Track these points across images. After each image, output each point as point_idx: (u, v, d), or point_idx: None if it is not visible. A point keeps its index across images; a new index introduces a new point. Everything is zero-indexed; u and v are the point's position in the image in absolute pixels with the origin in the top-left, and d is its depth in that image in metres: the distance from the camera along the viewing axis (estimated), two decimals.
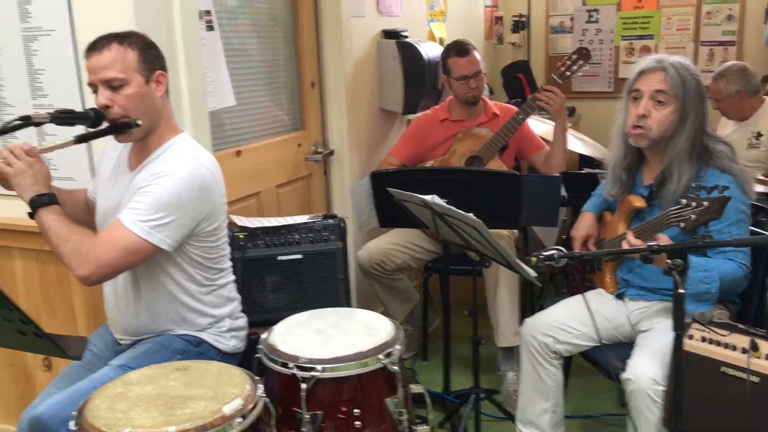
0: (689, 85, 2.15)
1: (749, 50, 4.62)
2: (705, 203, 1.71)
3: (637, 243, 1.91)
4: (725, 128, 3.79)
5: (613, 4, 5.20)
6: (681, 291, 1.65)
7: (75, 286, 2.40)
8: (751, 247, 2.18)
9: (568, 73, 3.04)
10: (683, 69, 2.16)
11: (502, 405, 2.82)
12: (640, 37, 5.17)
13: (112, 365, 1.86)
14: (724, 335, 1.88)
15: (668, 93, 2.15)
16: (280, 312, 2.48)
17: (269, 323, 2.42)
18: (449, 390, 2.85)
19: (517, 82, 4.82)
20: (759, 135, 3.51)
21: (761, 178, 3.07)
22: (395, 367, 1.76)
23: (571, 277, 3.72)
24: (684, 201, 1.76)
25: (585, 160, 4.17)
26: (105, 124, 1.89)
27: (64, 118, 1.84)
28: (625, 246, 1.94)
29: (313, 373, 1.69)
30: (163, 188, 1.80)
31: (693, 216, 1.72)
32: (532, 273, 2.00)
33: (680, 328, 1.69)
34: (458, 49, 3.18)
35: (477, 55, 3.19)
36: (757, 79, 3.64)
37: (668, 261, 1.65)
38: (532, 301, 3.51)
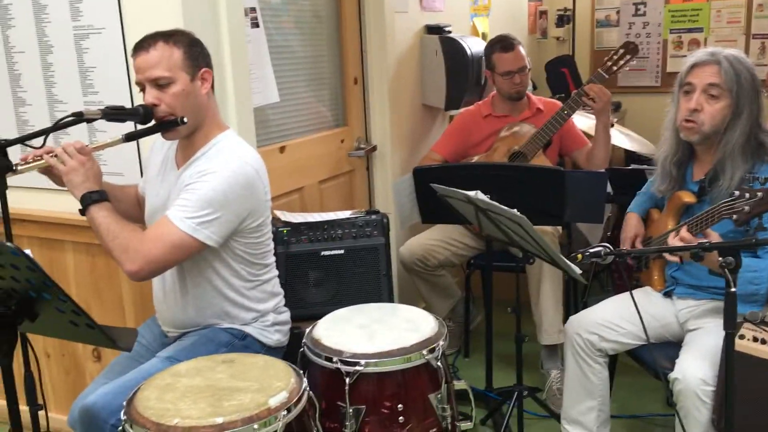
0: (744, 78, 2.09)
1: None
2: (759, 194, 1.67)
3: (689, 236, 1.86)
4: None
5: None
6: (733, 290, 1.61)
7: (124, 279, 2.45)
8: None
9: (614, 68, 2.98)
10: (738, 62, 2.10)
11: (545, 403, 2.80)
12: (689, 30, 5.05)
13: (160, 357, 1.90)
14: None
15: (722, 87, 2.09)
16: (323, 307, 2.50)
17: (312, 318, 2.45)
18: (491, 387, 2.83)
19: (562, 77, 4.76)
20: None
21: None
22: (438, 363, 1.76)
23: (617, 275, 3.68)
24: (737, 192, 1.72)
25: (631, 156, 4.10)
26: (152, 122, 1.92)
27: (114, 114, 1.88)
28: (676, 240, 1.89)
29: (356, 368, 1.70)
30: (209, 185, 1.83)
31: (746, 207, 1.68)
32: (577, 270, 1.97)
33: (732, 328, 1.65)
34: (503, 44, 3.15)
35: (522, 50, 3.16)
36: None
37: (720, 258, 1.61)
38: (575, 299, 3.46)
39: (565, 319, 3.03)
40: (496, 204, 2.05)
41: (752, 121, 2.11)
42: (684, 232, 1.89)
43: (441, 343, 1.80)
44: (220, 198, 1.83)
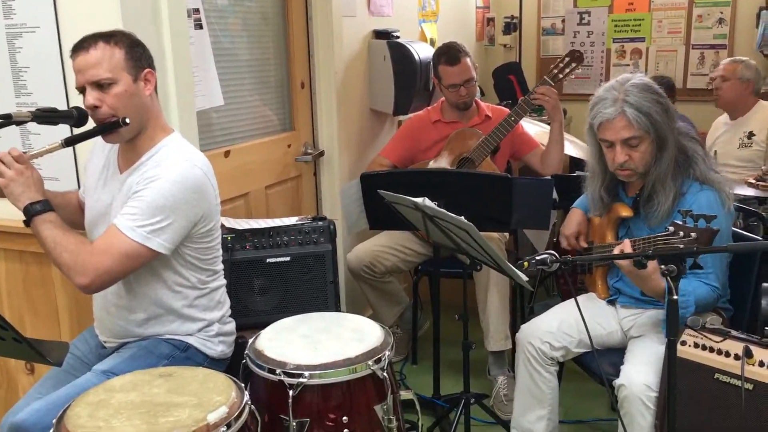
0: (654, 113, 2.07)
1: (740, 54, 4.58)
2: (693, 234, 1.69)
3: (630, 250, 1.90)
4: (717, 131, 3.80)
5: (604, 6, 5.19)
6: (675, 297, 1.62)
7: (59, 288, 2.36)
8: (744, 253, 2.17)
9: (560, 76, 3.03)
10: (642, 99, 2.06)
11: (492, 409, 2.80)
12: (632, 40, 5.16)
13: (96, 371, 1.82)
14: (717, 341, 1.86)
15: (637, 135, 2.08)
16: (268, 315, 2.46)
17: (257, 327, 2.39)
18: (439, 394, 2.82)
19: (509, 83, 4.80)
20: (751, 134, 3.51)
21: (751, 181, 3.06)
22: (385, 374, 1.73)
23: (562, 281, 3.71)
24: (671, 228, 1.73)
25: (576, 163, 4.15)
26: (92, 125, 1.85)
27: (46, 117, 1.80)
28: (618, 252, 1.91)
29: (300, 380, 1.65)
30: (158, 192, 1.77)
31: (681, 246, 1.70)
32: (524, 277, 1.98)
33: (674, 334, 1.67)
34: (448, 56, 3.13)
35: (468, 61, 3.14)
36: (762, 82, 3.68)
37: (662, 266, 1.62)
38: (522, 305, 3.48)
39: (512, 325, 3.06)
40: (443, 211, 2.04)
41: (675, 141, 2.13)
42: (626, 248, 1.92)
43: (387, 353, 1.77)
44: (170, 203, 1.77)
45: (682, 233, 1.69)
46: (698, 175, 2.11)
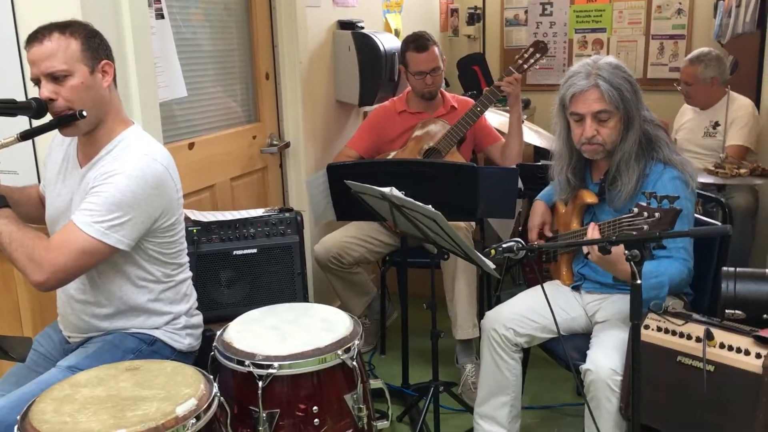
0: (625, 90, 2.12)
1: (698, 44, 4.68)
2: (657, 215, 1.71)
3: (597, 236, 1.91)
4: (683, 116, 3.85)
5: None
6: (639, 281, 1.65)
7: (20, 284, 2.31)
8: (704, 237, 2.22)
9: (525, 66, 3.06)
10: (614, 76, 2.12)
11: (461, 397, 2.82)
12: (593, 30, 5.22)
13: (60, 366, 1.79)
14: (679, 325, 1.90)
15: (608, 109, 2.12)
16: (236, 308, 2.44)
17: (224, 319, 2.37)
18: (408, 384, 2.84)
19: (473, 74, 4.81)
20: (716, 124, 3.57)
21: (710, 168, 3.12)
22: (354, 363, 1.73)
23: (528, 269, 3.76)
24: (636, 210, 1.76)
25: (539, 153, 4.20)
26: (49, 118, 1.81)
27: (4, 108, 1.76)
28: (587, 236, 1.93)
29: (269, 371, 1.65)
30: (116, 187, 1.74)
31: (645, 227, 1.72)
32: (491, 265, 2.00)
33: (638, 318, 1.69)
34: (417, 44, 3.14)
35: (436, 50, 3.15)
36: (728, 69, 3.70)
37: (626, 252, 1.65)
38: (489, 294, 3.51)
39: (479, 314, 3.08)
40: (411, 200, 2.05)
41: (641, 123, 2.17)
42: (595, 232, 1.93)
43: (356, 342, 1.77)
44: (128, 199, 1.74)
45: (646, 214, 1.71)
46: (661, 158, 2.15)
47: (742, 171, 3.03)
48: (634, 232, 1.73)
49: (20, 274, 2.24)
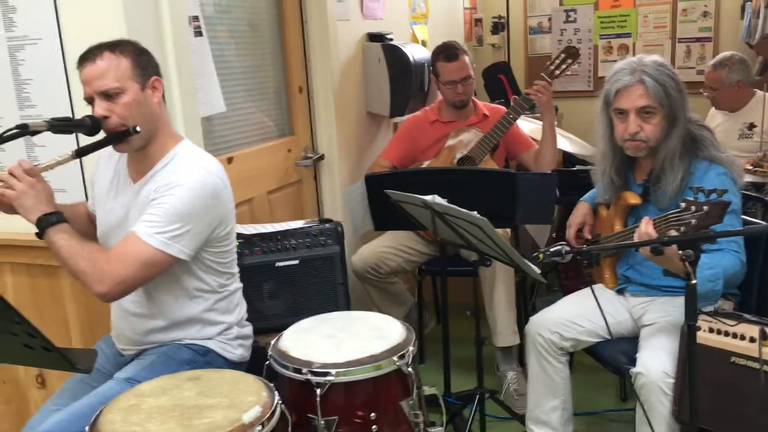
0: (669, 87, 2.13)
1: (725, 46, 4.67)
2: (705, 208, 1.70)
3: (651, 231, 1.86)
4: (714, 119, 3.82)
5: (590, 3, 5.23)
6: (693, 282, 1.65)
7: (68, 300, 2.34)
8: (757, 236, 2.19)
9: (557, 72, 3.06)
10: (659, 73, 2.14)
11: (506, 404, 2.81)
12: (618, 36, 5.21)
13: (118, 378, 1.82)
14: (732, 325, 1.89)
15: (653, 105, 2.13)
16: (279, 319, 2.47)
17: (269, 331, 2.40)
18: (450, 392, 2.83)
19: (499, 83, 4.83)
20: (752, 126, 3.54)
21: (749, 167, 3.10)
22: (409, 369, 1.74)
23: (563, 275, 3.74)
24: (683, 204, 1.75)
25: (569, 159, 4.19)
26: (102, 135, 1.85)
27: (61, 126, 1.80)
28: (636, 234, 1.89)
29: (327, 378, 1.66)
30: (176, 198, 1.77)
31: (693, 221, 1.71)
32: (537, 270, 1.99)
33: (693, 320, 1.69)
34: (447, 53, 3.16)
35: (467, 59, 3.17)
36: (753, 70, 3.68)
37: (680, 252, 1.64)
38: (525, 302, 3.49)
39: (517, 321, 3.08)
40: (455, 207, 2.06)
41: (685, 121, 2.17)
42: (649, 226, 1.89)
43: (410, 348, 1.78)
44: (189, 210, 1.78)
45: (693, 208, 1.70)
46: (707, 156, 2.15)
47: None
48: (682, 228, 1.73)
49: (68, 290, 2.32)
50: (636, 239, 1.90)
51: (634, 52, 5.16)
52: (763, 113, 3.32)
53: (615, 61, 5.20)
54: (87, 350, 1.60)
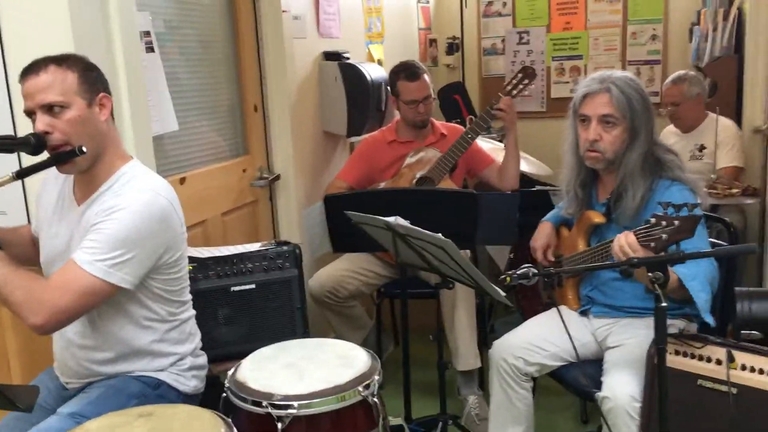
0: (635, 102, 2.14)
1: (674, 69, 4.73)
2: (676, 222, 1.68)
3: (634, 241, 1.79)
4: (667, 140, 3.86)
5: (542, 26, 5.30)
6: (664, 305, 1.62)
7: (8, 328, 2.20)
8: (729, 256, 2.20)
9: (514, 92, 3.06)
10: (628, 86, 2.15)
11: (467, 429, 2.75)
12: (570, 58, 5.28)
13: (61, 414, 1.69)
14: (698, 347, 1.88)
15: (615, 115, 2.14)
16: (235, 346, 2.37)
17: (224, 359, 2.31)
18: (411, 418, 2.76)
19: (454, 103, 4.83)
20: (702, 147, 3.59)
21: (706, 190, 3.14)
22: (375, 399, 1.67)
23: (521, 295, 3.72)
24: (653, 219, 1.73)
25: (526, 179, 4.19)
26: (46, 155, 1.73)
27: (2, 144, 1.69)
28: (616, 247, 1.85)
29: (289, 411, 1.57)
30: (119, 223, 1.67)
31: (664, 236, 1.69)
32: (502, 293, 1.95)
33: (663, 342, 1.66)
34: (408, 72, 3.13)
35: (427, 78, 3.15)
36: (707, 89, 3.76)
37: (649, 274, 1.62)
38: (483, 323, 3.45)
39: (489, 345, 3.03)
40: (418, 229, 2.01)
41: (649, 139, 2.17)
42: (631, 237, 1.81)
43: (376, 377, 1.71)
44: (132, 236, 1.67)
45: (664, 223, 1.68)
46: (670, 176, 2.15)
47: (734, 191, 3.05)
48: (652, 243, 1.70)
49: (9, 317, 2.18)
50: (616, 250, 1.85)
51: (585, 73, 5.23)
52: (715, 135, 3.38)
53: (567, 82, 5.32)
54: (28, 387, 1.48)
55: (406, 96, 3.12)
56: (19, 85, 1.74)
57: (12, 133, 2.04)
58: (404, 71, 3.14)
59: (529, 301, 3.61)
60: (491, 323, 3.83)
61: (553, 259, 2.46)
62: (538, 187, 3.50)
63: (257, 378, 1.69)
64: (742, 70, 3.96)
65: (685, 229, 1.67)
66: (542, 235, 2.48)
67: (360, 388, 1.65)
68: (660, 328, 1.65)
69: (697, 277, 1.93)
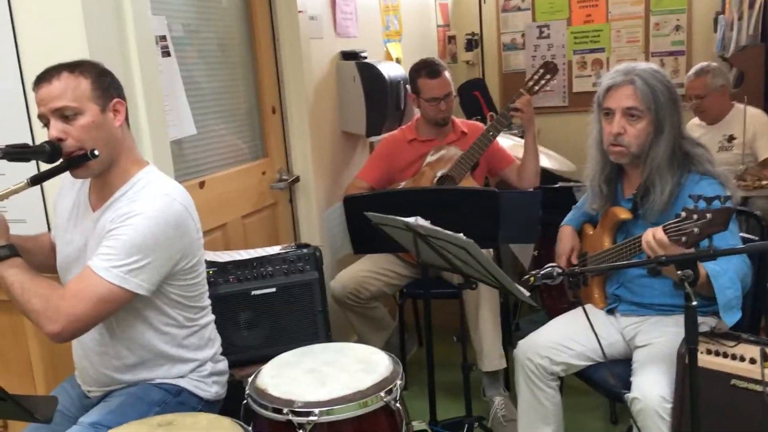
0: (660, 94, 2.08)
1: (698, 59, 4.65)
2: (708, 215, 1.62)
3: (662, 238, 1.74)
4: (693, 133, 3.78)
5: (563, 19, 5.22)
6: (694, 303, 1.57)
7: (32, 338, 2.20)
8: (760, 253, 2.13)
9: (536, 88, 3.01)
10: (652, 78, 2.09)
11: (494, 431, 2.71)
12: (592, 51, 5.19)
13: (83, 424, 1.69)
14: (731, 346, 1.82)
15: (639, 107, 2.08)
16: (256, 350, 2.36)
17: (245, 363, 2.29)
18: (436, 420, 2.72)
19: (475, 100, 4.78)
20: (731, 138, 3.51)
21: (735, 181, 3.07)
22: (398, 405, 1.63)
23: (546, 295, 3.66)
24: (683, 213, 1.67)
25: (548, 176, 4.13)
26: (60, 161, 1.73)
27: (17, 153, 1.68)
28: (644, 244, 1.79)
29: (310, 418, 1.54)
30: (135, 229, 1.65)
31: (696, 229, 1.63)
32: (526, 293, 1.91)
33: (694, 343, 1.61)
34: (429, 69, 3.09)
35: (448, 75, 3.12)
36: (731, 80, 3.68)
37: (679, 272, 1.57)
38: (508, 321, 3.41)
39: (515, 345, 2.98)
40: (439, 229, 1.97)
41: (674, 133, 2.11)
42: (660, 233, 1.76)
43: (398, 382, 1.68)
44: (148, 242, 1.65)
45: (696, 216, 1.62)
46: (699, 170, 2.08)
47: (764, 182, 2.97)
48: (683, 238, 1.64)
49: (32, 326, 2.17)
50: (645, 247, 1.80)
51: (608, 66, 5.15)
52: (744, 125, 3.29)
53: (589, 76, 5.24)
54: (47, 397, 1.47)
55: (426, 93, 3.08)
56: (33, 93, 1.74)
57: (29, 141, 2.05)
58: (425, 68, 3.10)
59: (554, 300, 3.56)
60: (516, 321, 3.78)
61: (576, 261, 2.40)
62: (561, 184, 3.44)
63: (278, 384, 1.66)
64: None
65: (718, 222, 1.60)
66: (566, 240, 2.43)
67: (382, 394, 1.61)
68: (691, 328, 1.60)
69: (726, 273, 1.87)
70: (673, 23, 4.93)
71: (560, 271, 1.80)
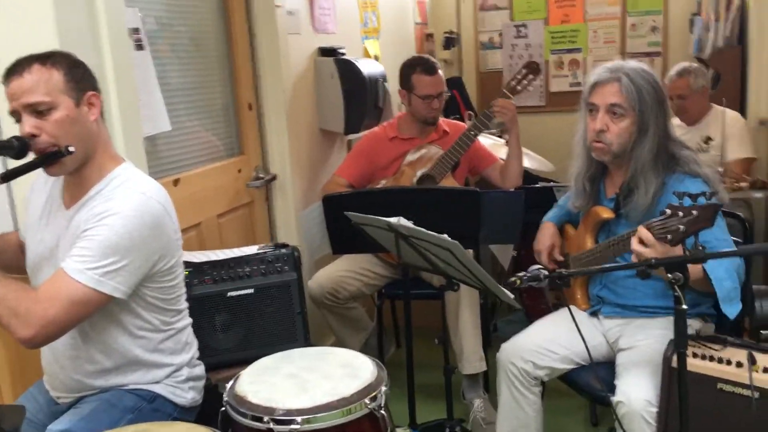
0: (647, 93, 2.05)
1: (675, 60, 4.66)
2: (694, 212, 1.59)
3: (650, 236, 1.70)
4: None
5: (540, 19, 5.22)
6: (684, 307, 1.54)
7: None
8: (753, 255, 2.12)
9: (518, 88, 2.99)
10: (640, 77, 2.06)
11: None
12: (569, 51, 5.20)
13: (52, 431, 1.61)
14: (717, 350, 1.80)
15: (623, 105, 2.05)
16: (233, 353, 2.30)
17: (221, 367, 2.23)
18: (416, 423, 2.68)
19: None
20: (709, 139, 3.52)
21: None
22: (382, 411, 1.58)
23: (525, 295, 3.64)
24: (668, 211, 1.64)
25: (529, 176, 4.11)
26: (32, 156, 1.65)
27: None
28: (634, 243, 1.76)
29: (292, 426, 1.48)
30: (111, 229, 1.58)
31: (681, 227, 1.60)
32: (510, 295, 1.88)
33: (683, 346, 1.59)
34: (426, 66, 3.04)
35: (441, 74, 3.08)
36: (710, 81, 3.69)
37: (669, 275, 1.54)
38: (486, 324, 3.38)
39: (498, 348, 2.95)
40: (422, 230, 1.93)
41: (660, 134, 2.09)
42: (644, 232, 1.73)
43: (383, 388, 1.63)
44: (125, 242, 1.58)
45: (681, 213, 1.59)
46: (686, 170, 2.06)
47: (743, 185, 2.97)
48: (669, 236, 1.61)
49: None
50: (634, 253, 1.76)
51: (585, 67, 5.15)
52: (723, 127, 3.30)
53: (566, 76, 5.24)
54: (14, 406, 1.40)
55: (421, 90, 3.02)
56: (2, 86, 1.66)
57: None
58: (421, 65, 3.05)
59: (534, 300, 3.55)
60: (494, 322, 3.76)
61: (561, 258, 2.38)
62: (541, 184, 3.42)
63: (257, 391, 1.60)
64: (745, 60, 3.89)
65: (704, 219, 1.57)
66: (546, 236, 2.40)
67: (367, 401, 1.56)
68: (680, 332, 1.57)
69: (722, 265, 1.85)
70: (649, 24, 4.96)
71: (546, 273, 1.76)
